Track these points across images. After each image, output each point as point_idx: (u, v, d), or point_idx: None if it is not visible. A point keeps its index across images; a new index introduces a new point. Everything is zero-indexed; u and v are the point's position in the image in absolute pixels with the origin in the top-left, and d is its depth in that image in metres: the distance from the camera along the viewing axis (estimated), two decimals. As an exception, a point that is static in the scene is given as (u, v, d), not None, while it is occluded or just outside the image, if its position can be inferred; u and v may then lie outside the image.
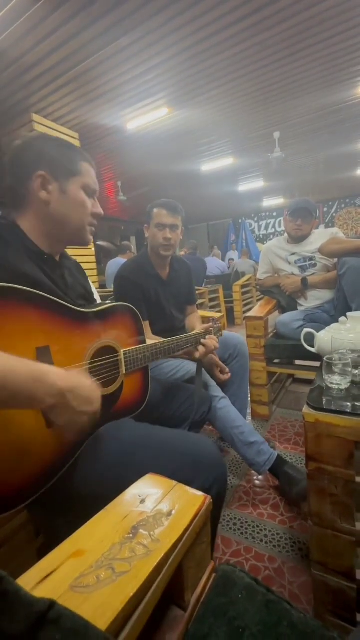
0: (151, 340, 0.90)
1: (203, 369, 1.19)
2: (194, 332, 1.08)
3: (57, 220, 0.69)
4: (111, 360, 0.73)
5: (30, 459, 0.56)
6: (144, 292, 1.28)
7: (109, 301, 0.80)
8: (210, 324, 1.15)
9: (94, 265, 3.66)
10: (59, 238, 0.72)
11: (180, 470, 0.63)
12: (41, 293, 0.58)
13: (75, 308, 0.65)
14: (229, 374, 1.31)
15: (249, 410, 1.86)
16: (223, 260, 7.78)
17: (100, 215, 0.77)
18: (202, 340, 1.08)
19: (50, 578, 0.35)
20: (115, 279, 1.34)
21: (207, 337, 1.10)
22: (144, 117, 3.31)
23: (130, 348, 0.79)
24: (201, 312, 1.94)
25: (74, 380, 0.53)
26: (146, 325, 1.29)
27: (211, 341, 1.09)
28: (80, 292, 0.78)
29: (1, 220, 0.67)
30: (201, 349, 1.08)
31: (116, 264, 4.25)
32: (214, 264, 5.97)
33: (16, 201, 0.68)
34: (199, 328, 1.12)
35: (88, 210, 0.73)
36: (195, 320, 1.46)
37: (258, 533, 1.07)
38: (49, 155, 0.67)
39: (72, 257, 0.87)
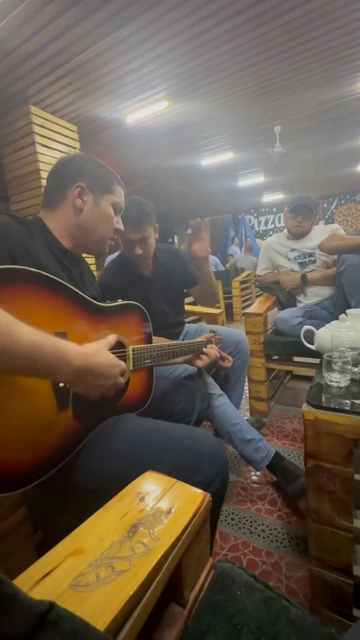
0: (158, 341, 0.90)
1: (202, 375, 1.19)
2: (197, 340, 1.08)
3: (85, 227, 0.78)
4: (120, 355, 0.74)
5: (40, 440, 0.57)
6: (127, 295, 1.16)
7: (120, 300, 0.83)
8: (212, 334, 1.15)
9: (92, 260, 3.64)
10: (81, 243, 0.80)
11: (182, 464, 0.64)
12: (63, 282, 0.62)
13: (92, 301, 0.70)
14: (231, 360, 1.27)
15: (247, 407, 1.86)
16: (224, 255, 7.77)
17: (121, 232, 0.86)
18: (204, 349, 1.07)
19: (50, 576, 0.35)
20: (99, 286, 1.23)
21: (208, 346, 1.09)
22: (144, 110, 3.26)
23: (139, 346, 0.81)
24: (200, 309, 1.94)
25: (90, 360, 0.57)
26: None
27: (213, 350, 1.08)
28: (91, 292, 0.83)
29: (29, 217, 0.74)
30: (204, 357, 1.07)
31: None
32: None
33: (51, 202, 0.77)
34: (200, 338, 1.11)
35: (113, 225, 0.83)
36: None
37: (255, 528, 1.07)
38: (90, 171, 0.78)
39: None
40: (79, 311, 0.66)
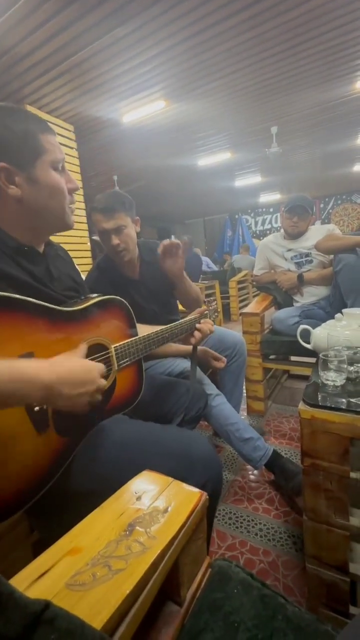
0: (144, 331, 0.86)
1: (197, 364, 1.17)
2: (188, 318, 1.01)
3: (35, 213, 0.63)
4: (102, 357, 0.71)
5: (23, 466, 0.54)
6: None
7: (96, 295, 0.76)
8: (204, 307, 1.09)
9: (89, 261, 3.62)
10: (40, 230, 0.67)
11: (174, 470, 0.61)
12: (19, 297, 0.53)
13: (60, 308, 0.61)
14: (225, 361, 1.25)
15: (244, 406, 1.87)
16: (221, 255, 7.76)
17: (77, 189, 0.69)
18: (197, 325, 1.01)
19: (46, 576, 0.35)
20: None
21: (201, 321, 1.03)
22: (141, 109, 3.26)
23: (122, 342, 0.76)
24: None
25: (59, 370, 0.51)
26: None
27: (206, 325, 1.03)
28: (68, 284, 0.74)
29: None
30: (197, 334, 1.00)
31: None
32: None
33: None
34: (192, 314, 1.04)
35: (65, 190, 0.65)
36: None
37: (253, 527, 1.08)
38: (4, 141, 0.58)
39: (68, 251, 0.84)
40: (45, 324, 0.58)
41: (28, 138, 0.59)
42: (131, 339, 0.79)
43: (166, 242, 1.07)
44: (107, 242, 1.10)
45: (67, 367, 0.52)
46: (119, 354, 0.75)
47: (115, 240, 1.08)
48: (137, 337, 0.80)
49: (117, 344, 0.75)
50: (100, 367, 0.59)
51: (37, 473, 0.57)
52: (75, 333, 0.65)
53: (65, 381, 0.51)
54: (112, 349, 0.74)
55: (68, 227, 0.71)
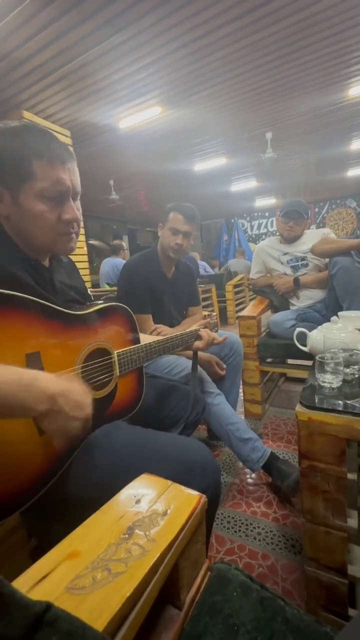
0: (146, 339, 0.89)
1: (198, 367, 1.19)
2: (190, 329, 1.05)
3: (22, 234, 0.63)
4: (104, 362, 0.72)
5: (22, 467, 0.55)
6: (149, 285, 1.31)
7: (101, 301, 0.78)
8: (207, 319, 1.14)
9: (86, 265, 3.63)
10: (36, 249, 0.67)
11: (173, 477, 0.61)
12: (30, 297, 0.55)
13: (66, 311, 0.63)
14: (225, 370, 1.32)
15: (241, 409, 1.87)
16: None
17: (75, 221, 0.66)
18: (201, 331, 1.06)
19: (46, 580, 0.35)
20: (123, 269, 1.38)
21: (201, 330, 1.07)
22: (137, 115, 3.29)
23: (125, 349, 0.77)
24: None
25: (64, 385, 0.51)
26: (149, 319, 1.30)
27: (210, 334, 1.08)
28: (70, 297, 0.75)
29: None
30: (202, 337, 1.06)
31: (110, 263, 4.22)
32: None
33: None
34: (195, 325, 1.09)
35: (49, 221, 0.62)
36: (192, 321, 1.43)
37: (251, 531, 1.08)
38: None
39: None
40: (51, 324, 0.60)
41: (19, 161, 0.58)
42: (134, 346, 0.80)
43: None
44: (174, 238, 1.30)
45: (69, 385, 0.52)
46: (121, 360, 0.76)
47: (181, 241, 1.30)
48: (139, 345, 0.82)
49: (120, 350, 0.76)
50: (90, 397, 0.56)
51: (35, 474, 0.57)
52: (79, 337, 0.66)
53: (67, 398, 0.50)
54: (115, 355, 0.75)
55: (63, 253, 0.70)
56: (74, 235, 0.68)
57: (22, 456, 0.55)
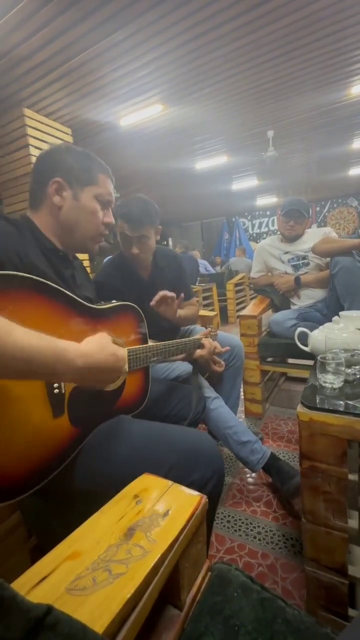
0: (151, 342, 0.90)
1: (198, 370, 1.20)
2: (195, 337, 1.09)
3: (67, 225, 0.74)
4: None
5: (36, 448, 0.57)
6: (123, 297, 1.14)
7: (114, 301, 0.82)
8: (210, 329, 1.17)
9: (87, 263, 3.63)
10: (68, 242, 0.77)
11: (180, 463, 0.64)
12: (56, 286, 0.61)
13: (85, 303, 0.68)
14: (223, 365, 1.27)
15: (242, 409, 1.87)
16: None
17: (111, 224, 0.81)
18: (203, 340, 1.09)
19: (46, 581, 0.35)
20: (95, 283, 1.22)
21: (203, 340, 1.11)
22: (138, 113, 3.27)
23: (135, 347, 0.80)
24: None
25: (94, 359, 0.55)
26: None
27: (209, 342, 1.11)
28: (86, 294, 0.80)
29: (17, 217, 0.72)
30: (205, 346, 1.09)
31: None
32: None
33: (34, 201, 0.75)
34: (199, 334, 1.13)
35: (98, 219, 0.77)
36: (187, 307, 1.35)
37: (251, 530, 1.08)
38: (67, 164, 0.73)
39: None
40: (72, 314, 0.65)
41: (87, 170, 0.75)
42: (143, 346, 0.83)
43: (162, 293, 1.08)
44: (127, 247, 1.15)
45: (102, 356, 0.57)
46: (131, 357, 0.78)
47: (135, 250, 1.13)
48: (149, 345, 0.85)
49: (131, 348, 0.79)
50: (125, 358, 0.66)
51: (46, 457, 0.59)
52: (96, 328, 0.70)
53: (96, 369, 0.56)
54: (126, 351, 0.77)
55: (91, 251, 0.81)
56: (103, 238, 0.81)
57: (36, 437, 0.57)
